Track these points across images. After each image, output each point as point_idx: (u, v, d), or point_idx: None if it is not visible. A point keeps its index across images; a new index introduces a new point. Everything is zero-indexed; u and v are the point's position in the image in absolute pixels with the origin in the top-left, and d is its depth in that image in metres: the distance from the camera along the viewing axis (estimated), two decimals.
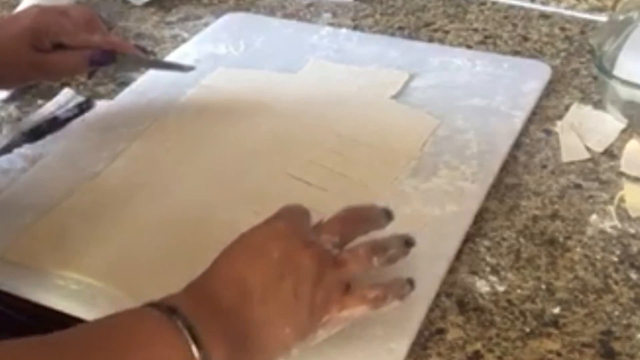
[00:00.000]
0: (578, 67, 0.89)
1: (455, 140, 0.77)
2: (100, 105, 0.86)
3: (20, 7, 0.99)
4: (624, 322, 0.59)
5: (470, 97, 0.83)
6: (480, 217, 0.69)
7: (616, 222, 0.68)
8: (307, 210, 0.57)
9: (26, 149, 0.79)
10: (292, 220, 0.56)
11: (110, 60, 0.79)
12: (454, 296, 0.62)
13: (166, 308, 0.49)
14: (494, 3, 1.04)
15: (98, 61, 0.79)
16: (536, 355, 0.57)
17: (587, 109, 0.82)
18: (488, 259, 0.65)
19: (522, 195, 0.72)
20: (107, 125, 0.82)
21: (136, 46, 0.82)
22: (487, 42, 0.96)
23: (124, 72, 0.89)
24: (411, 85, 0.86)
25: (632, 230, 0.67)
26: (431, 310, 0.61)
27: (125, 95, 0.87)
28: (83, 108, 0.86)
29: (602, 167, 0.74)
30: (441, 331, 0.59)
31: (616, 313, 0.60)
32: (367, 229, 0.58)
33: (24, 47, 0.76)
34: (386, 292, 0.54)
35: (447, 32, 0.98)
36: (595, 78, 0.86)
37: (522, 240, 0.67)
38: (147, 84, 0.89)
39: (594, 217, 0.69)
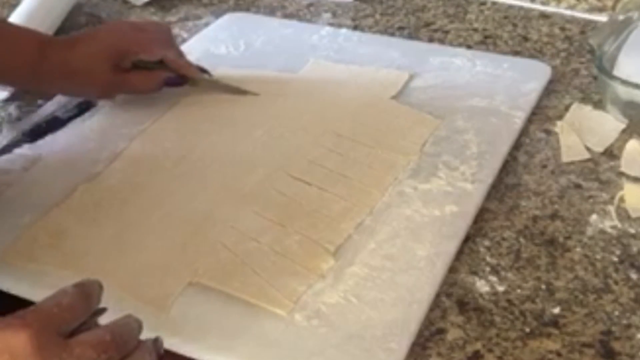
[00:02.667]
0: (578, 67, 0.89)
1: (455, 141, 0.77)
2: (100, 105, 0.86)
3: (21, 7, 0.99)
4: (624, 322, 0.59)
5: (470, 97, 0.83)
6: (480, 217, 0.69)
7: (616, 222, 0.68)
8: (71, 305, 0.47)
9: (26, 149, 0.79)
10: (39, 333, 0.45)
11: (184, 82, 0.84)
12: (454, 296, 0.62)
13: None
14: (494, 3, 1.04)
15: (172, 83, 0.83)
16: (536, 355, 0.57)
17: (587, 109, 0.82)
18: (488, 259, 0.65)
19: (522, 195, 0.72)
20: (107, 125, 0.82)
21: (198, 68, 0.85)
22: (487, 42, 0.96)
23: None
24: (411, 85, 0.86)
25: (632, 230, 0.67)
26: (431, 310, 0.61)
27: (125, 95, 0.87)
28: (83, 108, 0.86)
29: (602, 167, 0.74)
30: (441, 331, 0.59)
31: (616, 313, 0.60)
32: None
33: (105, 67, 0.78)
34: None
35: (447, 32, 0.98)
36: (595, 78, 0.86)
37: (522, 240, 0.67)
38: None
39: (594, 217, 0.69)
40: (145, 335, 0.52)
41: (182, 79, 0.83)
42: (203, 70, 0.85)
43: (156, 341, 0.51)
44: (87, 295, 0.48)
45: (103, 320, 0.50)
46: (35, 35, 0.80)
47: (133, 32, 0.82)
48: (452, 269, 0.64)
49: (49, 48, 0.77)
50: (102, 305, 0.50)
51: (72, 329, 0.47)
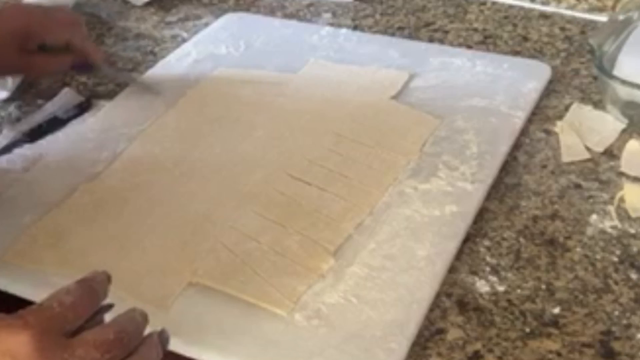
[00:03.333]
0: (578, 67, 0.89)
1: (455, 141, 0.77)
2: (100, 105, 0.86)
3: None
4: (624, 322, 0.59)
5: (470, 97, 0.83)
6: (480, 217, 0.69)
7: (616, 222, 0.68)
8: (72, 305, 0.47)
9: (26, 149, 0.79)
10: (40, 334, 0.44)
11: (91, 68, 0.85)
12: (454, 296, 0.62)
13: None
14: (494, 3, 1.04)
15: (79, 67, 0.84)
16: (536, 355, 0.57)
17: (587, 109, 0.82)
18: (488, 259, 0.65)
19: (522, 195, 0.72)
20: (107, 125, 0.82)
21: (107, 60, 0.86)
22: (487, 42, 0.96)
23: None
24: (411, 85, 0.86)
25: (632, 230, 0.67)
26: (431, 310, 0.61)
27: (125, 95, 0.87)
28: (83, 108, 0.86)
29: (602, 167, 0.74)
30: (441, 331, 0.59)
31: (616, 313, 0.60)
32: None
33: (10, 49, 0.78)
34: None
35: (447, 32, 0.98)
36: (595, 78, 0.86)
37: (522, 240, 0.67)
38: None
39: (594, 217, 0.69)
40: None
41: (88, 64, 0.84)
42: (112, 64, 0.86)
43: (162, 333, 0.50)
44: (90, 293, 0.48)
45: (107, 316, 0.49)
46: None
47: (39, 15, 0.81)
48: (452, 269, 0.64)
49: None
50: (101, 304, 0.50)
51: (75, 327, 0.46)
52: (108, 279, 0.50)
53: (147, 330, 0.49)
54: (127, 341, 0.47)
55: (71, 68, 0.83)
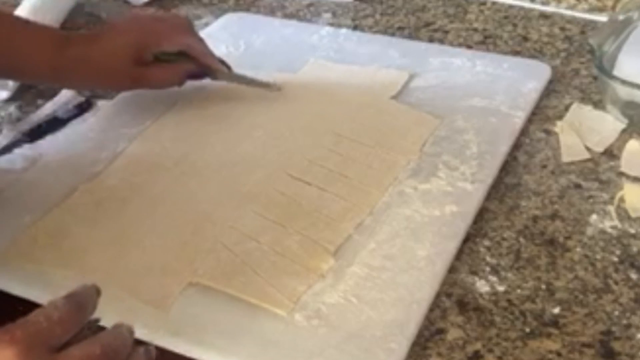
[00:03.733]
0: (578, 67, 0.89)
1: (455, 141, 0.77)
2: (100, 105, 0.86)
3: (21, 7, 0.99)
4: (624, 322, 0.59)
5: (470, 97, 0.83)
6: (480, 217, 0.69)
7: (616, 222, 0.68)
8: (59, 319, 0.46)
9: (26, 149, 0.79)
10: (26, 349, 0.44)
11: (205, 75, 0.82)
12: (454, 296, 0.62)
13: None
14: (494, 3, 1.04)
15: (194, 75, 0.81)
16: (536, 355, 0.57)
17: (587, 109, 0.82)
18: (488, 259, 0.65)
19: (522, 195, 0.72)
20: (107, 125, 0.82)
21: (220, 61, 0.83)
22: (487, 42, 0.96)
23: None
24: (411, 85, 0.86)
25: (632, 230, 0.67)
26: (431, 310, 0.60)
27: (125, 95, 0.87)
28: (83, 108, 0.86)
29: (602, 167, 0.74)
30: (441, 331, 0.59)
31: (616, 313, 0.60)
32: None
33: (126, 61, 0.77)
34: None
35: (447, 32, 0.98)
36: (595, 78, 0.86)
37: (522, 240, 0.67)
38: None
39: (594, 217, 0.69)
40: (146, 334, 0.52)
41: (205, 71, 0.82)
42: (225, 64, 0.83)
43: (148, 351, 0.49)
44: (79, 307, 0.47)
45: (105, 321, 0.49)
46: (52, 32, 0.80)
47: (153, 23, 0.80)
48: (452, 269, 0.64)
49: (68, 44, 0.76)
50: (103, 304, 0.50)
51: (62, 342, 0.46)
52: (97, 292, 0.49)
53: (146, 335, 0.49)
54: (114, 356, 0.47)
55: (188, 77, 0.81)
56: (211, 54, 0.82)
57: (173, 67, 0.80)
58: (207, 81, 0.88)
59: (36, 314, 0.46)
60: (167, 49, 0.79)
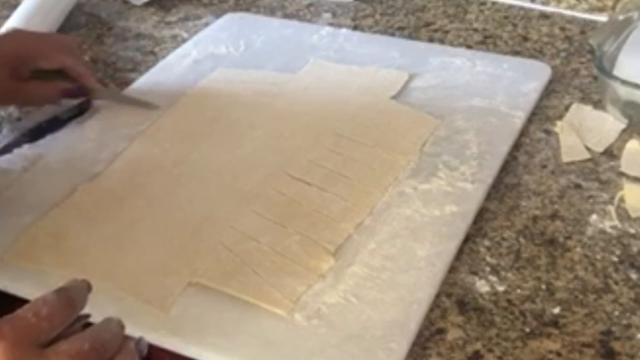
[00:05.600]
0: (578, 67, 0.89)
1: (455, 141, 0.77)
2: (101, 105, 0.86)
3: (21, 7, 0.99)
4: (624, 322, 0.59)
5: (470, 97, 0.83)
6: (480, 217, 0.69)
7: (616, 222, 0.68)
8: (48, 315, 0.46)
9: (26, 149, 0.79)
10: (14, 345, 0.44)
11: (82, 94, 0.83)
12: (454, 296, 0.62)
13: None
14: (494, 3, 1.04)
15: (70, 94, 0.82)
16: (536, 355, 0.57)
17: (587, 109, 0.82)
18: (488, 259, 0.65)
19: (522, 195, 0.72)
20: (107, 125, 0.82)
21: (100, 81, 0.84)
22: (487, 42, 0.96)
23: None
24: (411, 85, 0.86)
25: (632, 230, 0.67)
26: (431, 310, 0.61)
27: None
28: (83, 108, 0.86)
29: (602, 167, 0.74)
30: (441, 331, 0.59)
31: (616, 313, 0.60)
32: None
33: (3, 76, 0.77)
34: None
35: (447, 32, 0.98)
36: (595, 78, 0.86)
37: (522, 240, 0.67)
38: (147, 84, 0.89)
39: (594, 217, 0.69)
40: (146, 334, 0.51)
41: (82, 90, 0.82)
42: (104, 85, 0.84)
43: (138, 343, 0.49)
44: (68, 303, 0.47)
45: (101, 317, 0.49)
46: None
47: (34, 40, 0.81)
48: (452, 269, 0.64)
49: None
50: (103, 304, 0.50)
51: (51, 337, 0.46)
52: (88, 287, 0.49)
53: (147, 331, 0.49)
54: (103, 351, 0.47)
55: (64, 95, 0.81)
56: (89, 74, 0.82)
57: (49, 84, 0.80)
58: (207, 81, 0.88)
59: (25, 310, 0.45)
60: (43, 66, 0.79)
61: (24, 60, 0.78)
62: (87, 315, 0.49)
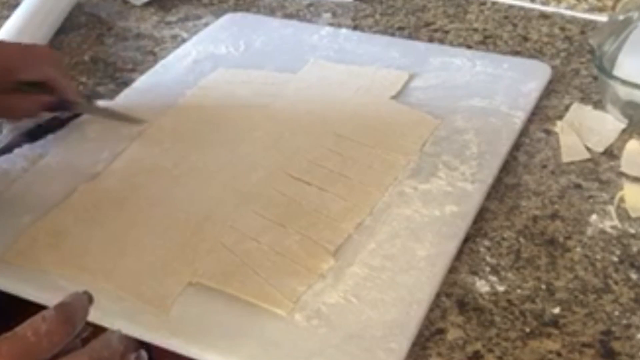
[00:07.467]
0: (578, 67, 0.89)
1: (455, 141, 0.77)
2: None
3: (21, 7, 0.99)
4: (624, 322, 0.59)
5: (470, 97, 0.83)
6: (480, 217, 0.69)
7: (616, 222, 0.68)
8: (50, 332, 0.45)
9: (26, 149, 0.79)
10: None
11: (64, 107, 0.81)
12: (454, 296, 0.62)
13: None
14: (494, 3, 1.04)
15: (52, 108, 0.80)
16: (536, 355, 0.57)
17: (587, 109, 0.82)
18: (488, 259, 0.65)
19: (522, 195, 0.72)
20: (107, 126, 0.82)
21: (84, 96, 0.82)
22: (487, 42, 0.96)
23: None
24: (411, 85, 0.86)
25: (632, 230, 0.67)
26: (431, 310, 0.61)
27: (125, 95, 0.87)
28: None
29: (602, 167, 0.74)
30: (441, 331, 0.59)
31: (616, 313, 0.60)
32: None
33: None
34: None
35: (447, 32, 0.98)
36: (595, 78, 0.86)
37: (522, 240, 0.67)
38: (147, 84, 0.89)
39: (594, 217, 0.69)
40: (146, 334, 0.51)
41: (63, 104, 0.80)
42: (88, 99, 0.82)
43: (138, 357, 0.49)
44: (67, 319, 0.46)
45: (104, 321, 0.49)
46: None
47: (16, 51, 0.79)
48: (452, 269, 0.64)
49: None
50: (102, 305, 0.50)
51: (50, 356, 0.45)
52: (89, 299, 0.48)
53: (147, 331, 0.49)
54: None
55: (45, 108, 0.79)
56: (72, 88, 0.81)
57: (30, 97, 0.78)
58: (207, 81, 0.88)
59: (23, 327, 0.45)
60: (24, 78, 0.77)
61: (6, 72, 0.76)
62: (87, 329, 0.48)
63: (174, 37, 1.01)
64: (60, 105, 0.80)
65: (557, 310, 0.60)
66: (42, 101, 0.79)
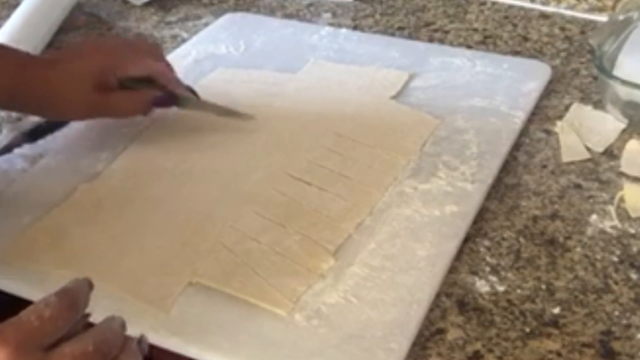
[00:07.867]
0: (578, 67, 0.89)
1: (455, 141, 0.77)
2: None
3: (21, 7, 0.99)
4: (624, 322, 0.59)
5: (470, 97, 0.83)
6: (480, 217, 0.69)
7: (616, 222, 0.68)
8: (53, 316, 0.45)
9: (26, 149, 0.79)
10: (17, 350, 0.44)
11: (172, 102, 0.77)
12: (454, 296, 0.62)
13: None
14: (494, 3, 1.04)
15: (160, 103, 0.77)
16: (536, 355, 0.57)
17: (587, 109, 0.82)
18: (488, 259, 0.65)
19: (522, 195, 0.72)
20: (107, 126, 0.82)
21: (188, 88, 0.78)
22: (487, 42, 0.96)
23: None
24: (411, 85, 0.86)
25: (632, 230, 0.67)
26: (431, 310, 0.61)
27: None
28: None
29: (602, 167, 0.74)
30: (441, 331, 0.59)
31: (616, 313, 0.60)
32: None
33: (87, 87, 0.72)
34: None
35: (447, 32, 0.98)
36: (595, 78, 0.86)
37: (522, 240, 0.67)
38: None
39: (594, 217, 0.69)
40: (146, 334, 0.51)
41: (170, 98, 0.77)
42: (192, 92, 0.79)
43: (140, 342, 0.49)
44: (70, 304, 0.46)
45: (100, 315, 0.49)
46: (16, 55, 0.75)
47: (118, 46, 0.77)
48: (452, 269, 0.64)
49: (29, 68, 0.72)
50: (102, 304, 0.50)
51: (54, 340, 0.45)
52: (90, 285, 0.48)
53: (147, 331, 0.49)
54: (107, 351, 0.46)
55: (155, 104, 0.76)
56: (179, 82, 0.77)
57: (139, 94, 0.75)
58: (207, 81, 0.88)
59: (27, 313, 0.45)
60: (133, 74, 0.74)
61: (112, 69, 0.73)
62: (88, 315, 0.49)
63: (174, 37, 1.01)
64: (169, 100, 0.77)
65: (557, 310, 0.60)
66: (151, 97, 0.75)
